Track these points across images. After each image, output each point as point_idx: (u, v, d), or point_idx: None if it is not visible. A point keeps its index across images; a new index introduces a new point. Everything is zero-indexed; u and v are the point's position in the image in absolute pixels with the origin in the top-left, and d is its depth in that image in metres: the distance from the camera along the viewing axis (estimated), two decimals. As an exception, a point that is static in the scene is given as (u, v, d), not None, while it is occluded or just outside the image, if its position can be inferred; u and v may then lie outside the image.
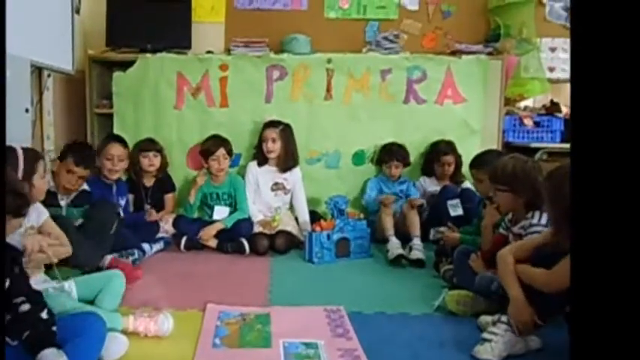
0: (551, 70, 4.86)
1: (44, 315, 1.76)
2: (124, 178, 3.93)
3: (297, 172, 4.15)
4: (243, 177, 4.10)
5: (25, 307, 1.73)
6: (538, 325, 2.16)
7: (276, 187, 4.10)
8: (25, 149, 2.46)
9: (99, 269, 2.86)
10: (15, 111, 3.00)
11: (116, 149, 3.70)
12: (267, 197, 4.08)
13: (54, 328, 1.76)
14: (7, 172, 1.85)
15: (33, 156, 2.48)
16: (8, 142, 2.21)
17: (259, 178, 4.09)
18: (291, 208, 4.16)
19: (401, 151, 4.25)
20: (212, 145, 3.97)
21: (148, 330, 2.25)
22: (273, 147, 4.05)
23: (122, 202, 3.71)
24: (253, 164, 4.12)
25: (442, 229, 3.47)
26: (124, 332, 2.17)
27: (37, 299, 1.80)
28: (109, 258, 3.10)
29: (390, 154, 4.23)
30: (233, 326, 2.41)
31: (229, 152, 4.03)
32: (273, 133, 4.05)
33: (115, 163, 3.67)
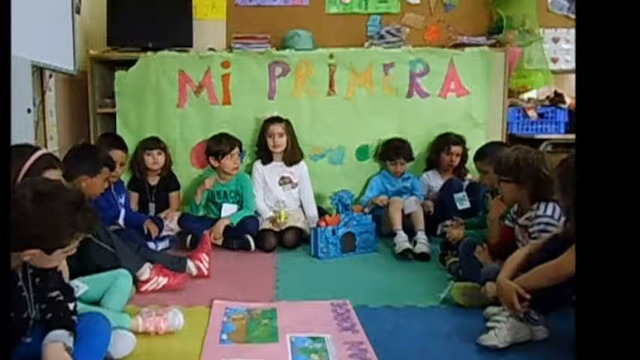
0: (555, 61, 4.85)
1: (71, 306, 1.83)
2: (123, 177, 3.95)
3: (303, 165, 4.15)
4: (248, 174, 4.10)
5: (60, 297, 1.82)
6: (527, 301, 2.15)
7: (283, 181, 4.09)
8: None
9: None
10: (17, 111, 2.99)
11: (118, 155, 3.71)
12: (276, 192, 4.08)
13: (74, 317, 1.81)
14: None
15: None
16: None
17: (266, 175, 4.09)
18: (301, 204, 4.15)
19: (405, 148, 4.23)
20: (226, 144, 3.94)
21: (159, 328, 2.25)
22: (280, 141, 4.04)
23: (121, 201, 3.68)
24: (259, 164, 4.12)
25: (448, 222, 3.46)
26: (134, 333, 2.16)
27: (69, 292, 1.88)
28: (150, 267, 2.86)
29: (396, 151, 4.20)
30: (240, 322, 2.40)
31: (241, 150, 4.05)
32: (279, 128, 4.04)
33: (117, 169, 3.65)
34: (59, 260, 1.74)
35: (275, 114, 4.12)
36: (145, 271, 2.81)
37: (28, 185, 1.71)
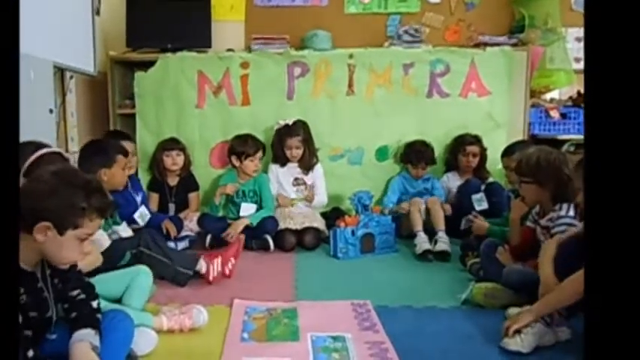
0: (578, 60, 4.78)
1: (94, 304, 1.83)
2: (142, 178, 3.98)
3: (318, 168, 4.15)
4: (265, 173, 4.10)
5: (82, 296, 1.82)
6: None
7: (297, 182, 4.11)
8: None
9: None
10: (39, 112, 3.03)
11: (128, 145, 3.62)
12: (289, 192, 4.09)
13: (99, 316, 1.81)
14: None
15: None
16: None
17: (280, 176, 4.11)
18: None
19: (428, 152, 4.18)
20: (252, 146, 3.96)
21: (184, 326, 2.26)
22: (297, 153, 4.07)
23: (138, 199, 3.63)
24: (275, 167, 4.13)
25: (470, 216, 3.41)
26: (158, 332, 2.17)
27: (91, 291, 1.88)
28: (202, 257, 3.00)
29: (418, 156, 4.15)
30: (260, 321, 2.40)
31: (264, 154, 4.07)
32: (296, 142, 4.05)
33: (130, 159, 3.54)
34: (73, 250, 1.68)
35: (289, 121, 4.09)
36: (202, 264, 2.90)
37: (53, 164, 1.79)
